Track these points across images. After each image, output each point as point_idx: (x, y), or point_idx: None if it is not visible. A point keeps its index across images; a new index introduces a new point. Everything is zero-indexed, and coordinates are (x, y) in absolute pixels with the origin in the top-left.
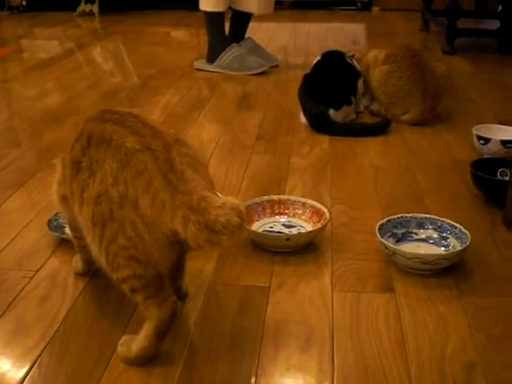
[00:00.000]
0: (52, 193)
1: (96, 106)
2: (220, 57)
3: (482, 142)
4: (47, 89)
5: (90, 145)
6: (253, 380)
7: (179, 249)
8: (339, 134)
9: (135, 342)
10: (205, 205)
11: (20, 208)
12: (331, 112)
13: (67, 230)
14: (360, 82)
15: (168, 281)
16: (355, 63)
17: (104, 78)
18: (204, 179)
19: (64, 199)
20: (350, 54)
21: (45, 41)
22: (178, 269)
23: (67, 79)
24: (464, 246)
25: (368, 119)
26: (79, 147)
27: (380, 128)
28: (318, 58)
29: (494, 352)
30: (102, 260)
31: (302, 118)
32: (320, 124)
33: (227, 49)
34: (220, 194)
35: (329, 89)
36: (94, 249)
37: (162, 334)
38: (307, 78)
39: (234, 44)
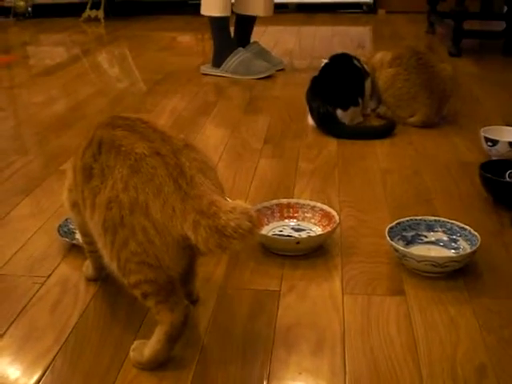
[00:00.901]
0: (63, 199)
1: (103, 112)
2: (226, 61)
3: (489, 143)
4: (54, 95)
5: (101, 151)
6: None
7: (190, 254)
8: (345, 135)
9: (147, 347)
10: (215, 209)
11: (29, 215)
12: (339, 112)
13: (77, 236)
14: (367, 83)
15: (179, 285)
16: (363, 65)
17: (110, 84)
18: (214, 184)
19: (75, 205)
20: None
21: (51, 47)
22: (188, 274)
23: (74, 85)
24: (474, 248)
25: (375, 122)
26: (90, 154)
27: (386, 130)
28: (326, 60)
29: (505, 354)
30: (113, 265)
31: (310, 121)
32: (327, 124)
33: (233, 53)
34: (229, 199)
35: (336, 89)
36: (106, 254)
37: (174, 338)
38: (315, 80)
39: (240, 48)
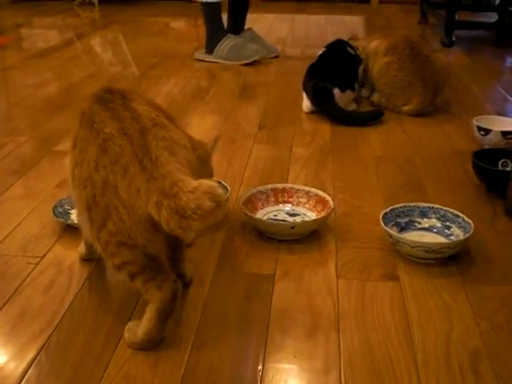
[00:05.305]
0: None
1: None
2: (217, 47)
3: (482, 132)
4: (47, 78)
5: (81, 124)
6: (260, 367)
7: (164, 232)
8: (336, 116)
9: (140, 327)
10: (176, 189)
11: (23, 196)
12: (336, 92)
13: (72, 217)
14: (360, 69)
15: (165, 262)
16: (357, 52)
17: (104, 68)
18: (180, 162)
19: None
20: (354, 42)
21: (44, 30)
22: (176, 254)
23: (67, 68)
24: (467, 234)
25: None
26: (77, 124)
27: (372, 117)
28: (324, 49)
29: (498, 340)
30: (98, 247)
31: (304, 108)
32: (322, 100)
33: (223, 39)
34: (223, 181)
35: (335, 71)
36: (88, 231)
37: (165, 315)
38: (312, 67)
39: (230, 34)
